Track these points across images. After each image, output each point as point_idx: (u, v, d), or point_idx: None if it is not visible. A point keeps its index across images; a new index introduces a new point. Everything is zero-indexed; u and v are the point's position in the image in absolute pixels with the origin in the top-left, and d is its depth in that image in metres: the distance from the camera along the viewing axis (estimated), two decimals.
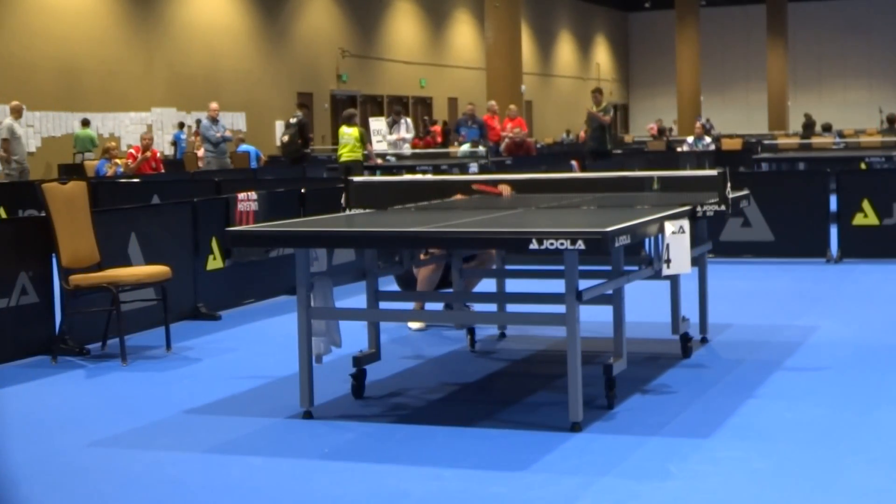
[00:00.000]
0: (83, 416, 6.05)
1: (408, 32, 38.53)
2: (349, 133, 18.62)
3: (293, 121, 20.45)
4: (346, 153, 18.49)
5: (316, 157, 22.89)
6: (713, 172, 6.55)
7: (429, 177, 7.96)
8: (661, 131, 37.85)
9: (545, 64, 48.08)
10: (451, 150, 22.82)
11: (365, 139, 19.18)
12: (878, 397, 5.94)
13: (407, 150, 21.98)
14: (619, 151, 23.42)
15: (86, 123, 24.83)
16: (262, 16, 31.22)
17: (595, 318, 6.69)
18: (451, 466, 4.91)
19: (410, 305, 7.77)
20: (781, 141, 26.04)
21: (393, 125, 21.88)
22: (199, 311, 8.96)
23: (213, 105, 20.04)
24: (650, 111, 52.60)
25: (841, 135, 28.38)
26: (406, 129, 22.29)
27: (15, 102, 18.24)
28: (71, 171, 20.08)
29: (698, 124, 25.75)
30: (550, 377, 6.53)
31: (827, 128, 25.81)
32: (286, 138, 20.40)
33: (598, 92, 20.60)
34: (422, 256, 7.63)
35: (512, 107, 23.21)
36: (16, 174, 17.26)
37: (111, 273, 7.51)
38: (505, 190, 7.77)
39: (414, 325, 8.22)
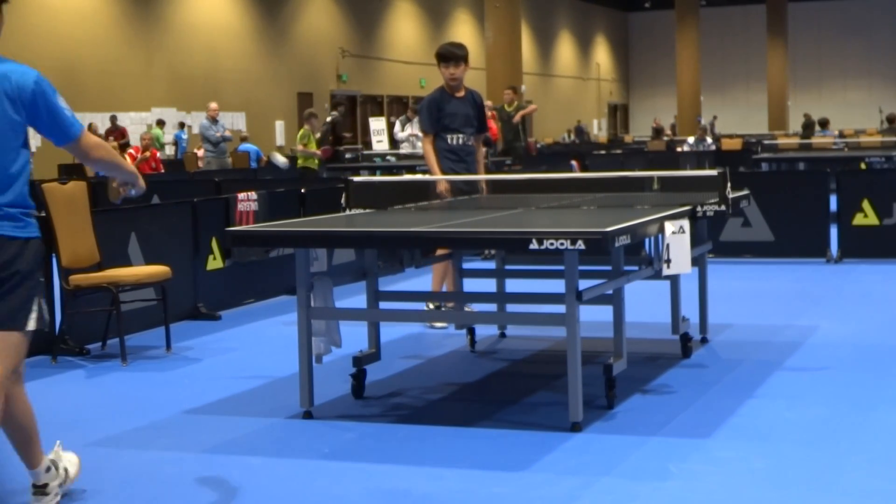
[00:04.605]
0: (83, 416, 6.04)
1: (408, 32, 38.54)
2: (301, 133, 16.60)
3: (328, 119, 20.39)
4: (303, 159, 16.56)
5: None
6: (713, 172, 6.55)
7: (429, 177, 7.95)
8: (660, 130, 37.80)
9: (545, 64, 48.10)
10: None
11: (312, 138, 16.63)
12: (878, 397, 5.94)
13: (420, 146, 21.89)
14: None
15: (160, 124, 24.98)
16: (262, 16, 31.22)
17: (595, 318, 6.69)
18: (451, 466, 4.90)
19: (410, 306, 7.75)
20: (781, 141, 26.02)
21: (406, 122, 21.80)
22: (199, 311, 8.96)
23: (213, 105, 20.06)
24: (650, 111, 52.63)
25: (841, 134, 28.34)
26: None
27: None
28: (71, 171, 20.07)
29: (700, 130, 25.77)
30: (550, 377, 6.52)
31: (823, 123, 25.71)
32: (318, 136, 20.19)
33: (511, 89, 19.58)
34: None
35: None
36: None
37: (111, 273, 7.51)
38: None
39: (438, 323, 8.22)
